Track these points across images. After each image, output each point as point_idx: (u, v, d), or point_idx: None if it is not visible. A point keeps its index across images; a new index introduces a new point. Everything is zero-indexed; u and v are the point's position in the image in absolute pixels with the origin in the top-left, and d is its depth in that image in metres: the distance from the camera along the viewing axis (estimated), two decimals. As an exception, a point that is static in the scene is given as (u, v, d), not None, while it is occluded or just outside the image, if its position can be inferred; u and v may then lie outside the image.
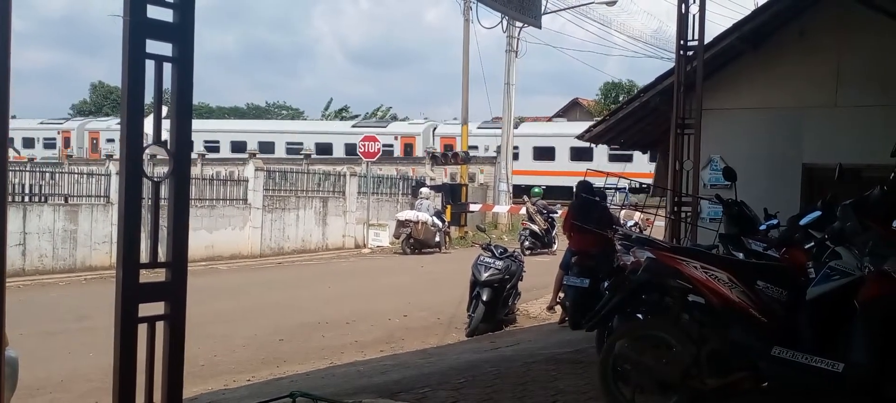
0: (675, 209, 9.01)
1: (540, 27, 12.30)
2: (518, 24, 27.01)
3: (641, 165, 28.06)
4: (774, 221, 6.83)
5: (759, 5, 10.05)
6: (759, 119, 9.87)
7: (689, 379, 4.57)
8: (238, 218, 19.99)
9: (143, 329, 2.53)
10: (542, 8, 27.30)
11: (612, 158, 29.95)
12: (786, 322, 4.50)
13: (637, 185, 11.76)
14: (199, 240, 17.85)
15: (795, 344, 4.37)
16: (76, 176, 18.42)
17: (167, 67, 3.05)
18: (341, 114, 57.60)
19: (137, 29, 2.85)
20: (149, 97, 3.07)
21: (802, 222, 5.60)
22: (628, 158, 29.78)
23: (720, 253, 5.80)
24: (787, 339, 4.41)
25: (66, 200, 17.35)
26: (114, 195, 17.32)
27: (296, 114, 61.75)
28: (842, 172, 5.93)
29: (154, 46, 3.00)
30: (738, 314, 4.52)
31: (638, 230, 13.08)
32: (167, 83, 3.08)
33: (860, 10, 9.04)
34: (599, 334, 6.42)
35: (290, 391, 5.11)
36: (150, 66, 3.02)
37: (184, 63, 2.99)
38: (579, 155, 32.81)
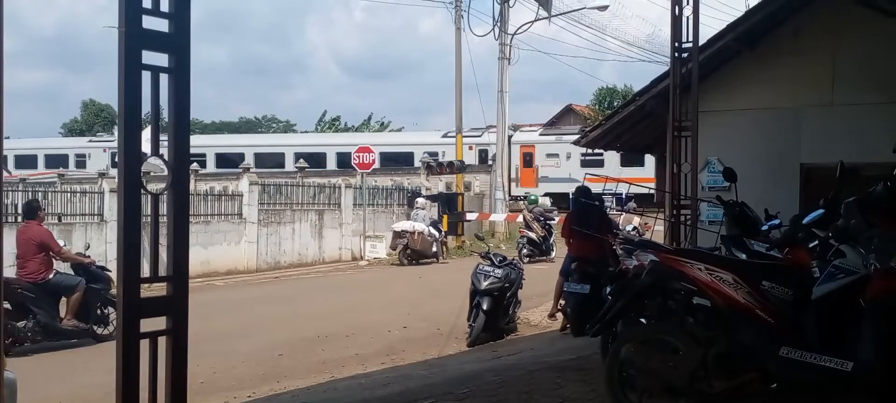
0: (675, 212, 8.99)
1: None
2: (509, 30, 27.10)
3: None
4: (776, 221, 6.80)
5: (753, 6, 10.04)
6: (755, 119, 9.87)
7: (697, 382, 4.53)
8: (233, 233, 19.88)
9: (144, 345, 2.48)
10: (535, 16, 27.50)
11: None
12: (793, 322, 4.46)
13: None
14: (195, 256, 17.68)
15: (803, 344, 4.33)
16: (69, 194, 18.30)
17: (163, 79, 3.01)
18: (334, 124, 57.56)
19: (133, 40, 2.81)
20: (146, 110, 3.03)
21: (806, 221, 5.56)
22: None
23: (723, 255, 5.76)
24: (794, 339, 4.37)
25: (59, 219, 17.23)
26: (107, 213, 17.22)
27: (287, 127, 61.61)
28: (843, 170, 5.90)
29: (150, 57, 2.96)
30: (745, 315, 4.49)
31: (637, 235, 13.04)
32: (164, 97, 3.04)
33: (854, 8, 9.05)
34: (604, 340, 6.36)
35: (295, 404, 5.05)
36: (146, 78, 2.98)
37: (180, 73, 2.95)
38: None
